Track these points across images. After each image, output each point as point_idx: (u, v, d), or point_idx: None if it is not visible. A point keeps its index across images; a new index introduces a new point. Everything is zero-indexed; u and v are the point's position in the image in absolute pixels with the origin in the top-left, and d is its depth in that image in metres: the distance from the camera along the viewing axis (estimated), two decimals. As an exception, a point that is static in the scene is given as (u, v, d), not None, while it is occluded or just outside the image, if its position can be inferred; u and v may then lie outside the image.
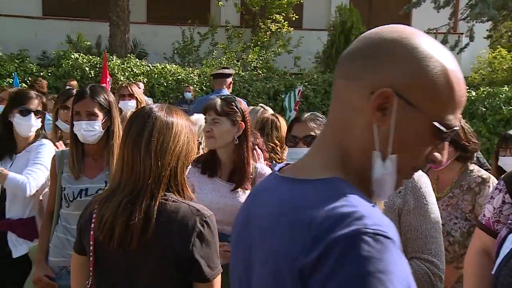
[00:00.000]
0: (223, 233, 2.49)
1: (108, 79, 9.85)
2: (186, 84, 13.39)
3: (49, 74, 13.80)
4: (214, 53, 16.34)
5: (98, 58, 14.23)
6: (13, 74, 12.63)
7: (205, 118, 2.98)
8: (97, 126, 2.89)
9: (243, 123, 2.97)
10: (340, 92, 1.11)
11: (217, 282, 1.88)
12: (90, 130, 2.88)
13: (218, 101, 2.95)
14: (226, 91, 6.17)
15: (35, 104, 3.45)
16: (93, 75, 13.61)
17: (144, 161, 1.82)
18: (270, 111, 4.48)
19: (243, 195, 2.91)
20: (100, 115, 2.91)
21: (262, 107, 4.54)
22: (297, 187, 1.07)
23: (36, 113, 3.43)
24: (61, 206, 2.95)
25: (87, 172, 2.93)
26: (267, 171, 3.06)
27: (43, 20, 17.47)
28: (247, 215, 1.20)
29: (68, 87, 9.20)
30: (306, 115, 2.89)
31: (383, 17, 19.02)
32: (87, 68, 13.80)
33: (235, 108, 2.95)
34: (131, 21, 15.45)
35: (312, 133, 2.80)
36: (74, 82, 10.51)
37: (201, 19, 17.61)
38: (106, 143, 2.96)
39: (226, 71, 6.48)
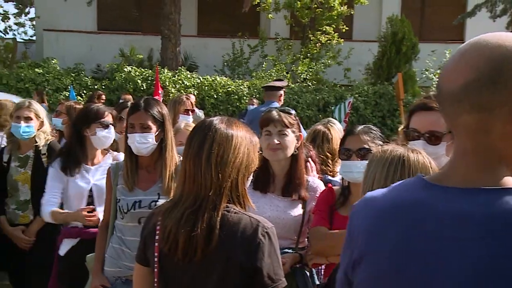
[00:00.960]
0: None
1: (160, 92, 10.04)
2: (250, 98, 13.41)
3: (103, 87, 14.16)
4: (263, 65, 16.40)
5: (150, 71, 14.52)
6: (69, 87, 13.02)
7: (265, 131, 2.93)
8: (151, 139, 2.92)
9: (301, 134, 2.97)
10: (476, 125, 1.10)
11: None
12: (143, 143, 2.91)
13: (281, 113, 2.93)
14: (277, 104, 6.17)
15: (110, 117, 3.59)
16: (145, 88, 13.89)
17: (205, 173, 1.85)
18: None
19: (298, 209, 2.88)
20: (154, 127, 2.94)
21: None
22: (495, 196, 1.07)
23: (113, 125, 3.59)
24: (116, 217, 2.99)
25: (140, 184, 2.96)
26: (319, 184, 3.02)
27: (97, 34, 17.98)
28: (402, 232, 1.16)
29: (121, 100, 9.40)
30: (360, 127, 2.84)
31: (436, 27, 18.72)
32: (139, 81, 14.10)
33: (296, 119, 2.95)
34: (182, 34, 15.71)
35: (366, 146, 2.74)
36: (129, 96, 10.72)
37: (251, 31, 17.74)
38: (159, 156, 2.98)
39: (278, 83, 6.48)
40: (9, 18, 21.45)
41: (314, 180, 3.05)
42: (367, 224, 1.23)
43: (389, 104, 14.68)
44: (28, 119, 3.95)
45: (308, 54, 17.09)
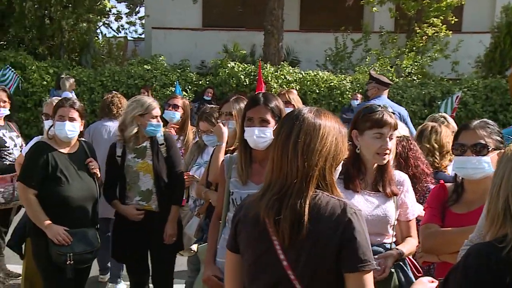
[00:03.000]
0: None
1: (263, 87, 10.12)
2: (355, 92, 13.25)
3: (207, 82, 14.52)
4: (367, 60, 16.09)
5: (253, 66, 14.69)
6: (175, 83, 13.47)
7: (377, 133, 2.74)
8: (269, 133, 2.89)
9: None
10: None
11: (369, 278, 1.83)
12: (261, 137, 2.90)
13: (393, 115, 2.82)
14: (386, 98, 6.01)
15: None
16: (247, 83, 14.08)
17: (292, 161, 1.87)
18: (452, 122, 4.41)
19: (391, 204, 2.78)
20: (272, 122, 2.93)
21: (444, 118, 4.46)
22: None
23: None
24: (228, 209, 3.02)
25: (254, 177, 2.95)
26: (405, 177, 2.90)
27: (202, 31, 18.48)
28: None
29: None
30: (475, 122, 2.68)
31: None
32: (242, 76, 14.31)
33: None
34: (284, 29, 15.75)
35: (482, 141, 2.59)
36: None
37: (354, 25, 17.44)
38: None
39: (386, 80, 6.34)
40: (121, 18, 22.58)
41: (400, 174, 2.92)
42: None
43: (502, 99, 13.88)
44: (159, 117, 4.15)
45: (414, 48, 16.54)
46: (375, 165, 2.80)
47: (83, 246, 3.73)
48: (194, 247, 3.57)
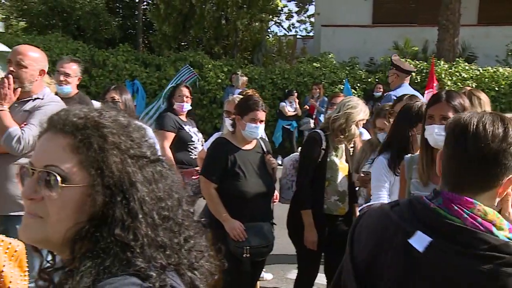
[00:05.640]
0: None
1: (434, 84, 9.66)
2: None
3: (376, 80, 14.24)
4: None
5: (425, 63, 14.11)
6: (344, 80, 13.41)
7: None
8: None
9: None
10: None
11: None
12: (442, 135, 2.76)
13: None
14: (407, 85, 5.93)
15: None
16: (419, 80, 13.56)
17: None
18: None
19: None
20: None
21: None
22: None
23: None
24: None
25: (435, 178, 2.81)
26: None
27: (372, 28, 18.17)
28: None
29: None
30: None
31: None
32: (413, 74, 13.79)
33: None
34: (461, 24, 14.89)
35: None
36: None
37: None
38: None
39: (407, 66, 6.23)
40: (292, 16, 23.11)
41: None
42: None
43: None
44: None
45: None
46: None
47: (259, 240, 3.85)
48: None
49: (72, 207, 1.13)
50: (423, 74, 13.63)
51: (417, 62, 14.30)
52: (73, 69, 4.86)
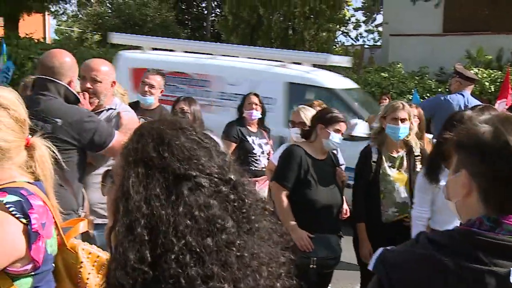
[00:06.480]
0: None
1: (509, 94, 9.29)
2: None
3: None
4: None
5: (499, 72, 13.61)
6: (413, 90, 13.13)
7: None
8: None
9: None
10: None
11: None
12: None
13: None
14: (468, 93, 5.87)
15: None
16: (493, 90, 13.10)
17: None
18: None
19: None
20: None
21: None
22: None
23: None
24: None
25: None
26: None
27: (442, 36, 17.69)
28: None
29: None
30: None
31: None
32: (486, 83, 13.36)
33: None
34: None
35: None
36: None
37: None
38: None
39: (470, 74, 6.12)
40: (360, 26, 22.92)
41: None
42: None
43: None
44: (403, 120, 4.07)
45: None
46: None
47: (326, 252, 3.83)
48: None
49: None
50: (497, 83, 13.14)
51: (490, 71, 13.81)
52: (158, 81, 4.94)
